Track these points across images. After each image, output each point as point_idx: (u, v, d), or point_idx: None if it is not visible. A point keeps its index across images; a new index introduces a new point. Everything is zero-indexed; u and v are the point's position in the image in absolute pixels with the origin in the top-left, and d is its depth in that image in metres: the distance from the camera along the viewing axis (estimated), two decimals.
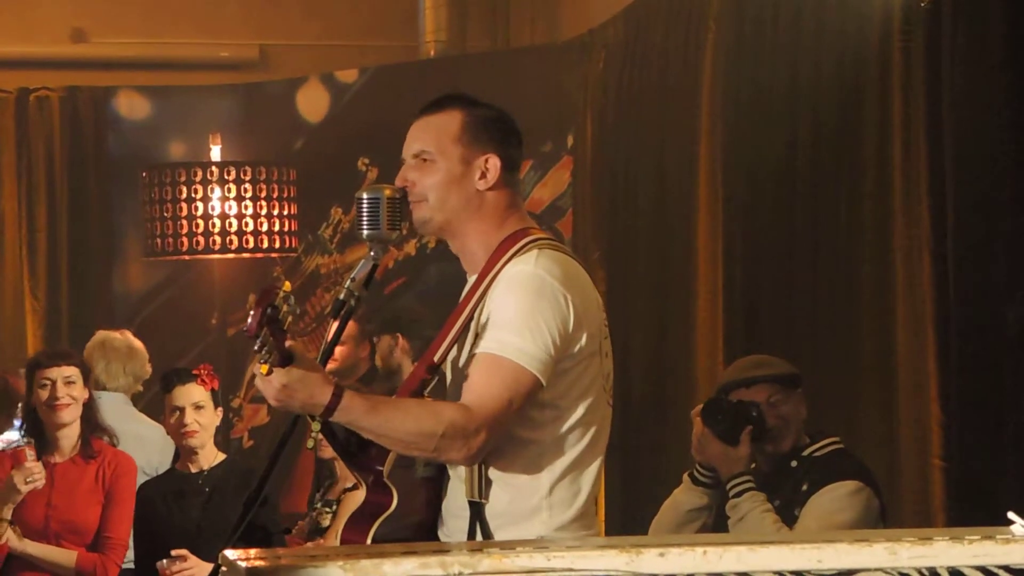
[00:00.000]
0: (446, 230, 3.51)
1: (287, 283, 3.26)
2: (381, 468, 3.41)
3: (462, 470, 3.39)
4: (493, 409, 3.29)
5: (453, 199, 3.47)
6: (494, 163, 3.49)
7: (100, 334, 6.93)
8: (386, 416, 3.28)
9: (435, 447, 3.29)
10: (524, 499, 3.36)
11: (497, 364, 3.31)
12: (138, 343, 6.90)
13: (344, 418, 3.28)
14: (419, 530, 3.45)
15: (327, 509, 6.28)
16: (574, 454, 3.40)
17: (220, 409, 5.74)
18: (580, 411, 3.40)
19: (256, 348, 3.18)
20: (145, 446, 6.30)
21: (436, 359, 3.44)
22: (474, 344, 3.39)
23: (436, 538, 3.45)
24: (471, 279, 3.52)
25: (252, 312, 3.17)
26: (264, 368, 3.21)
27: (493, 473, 3.37)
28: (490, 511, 3.36)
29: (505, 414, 3.30)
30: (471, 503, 3.37)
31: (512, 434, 3.36)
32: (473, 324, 3.41)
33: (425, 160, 3.48)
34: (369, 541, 3.35)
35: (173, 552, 5.40)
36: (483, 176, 3.48)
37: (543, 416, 3.37)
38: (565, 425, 3.39)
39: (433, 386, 3.49)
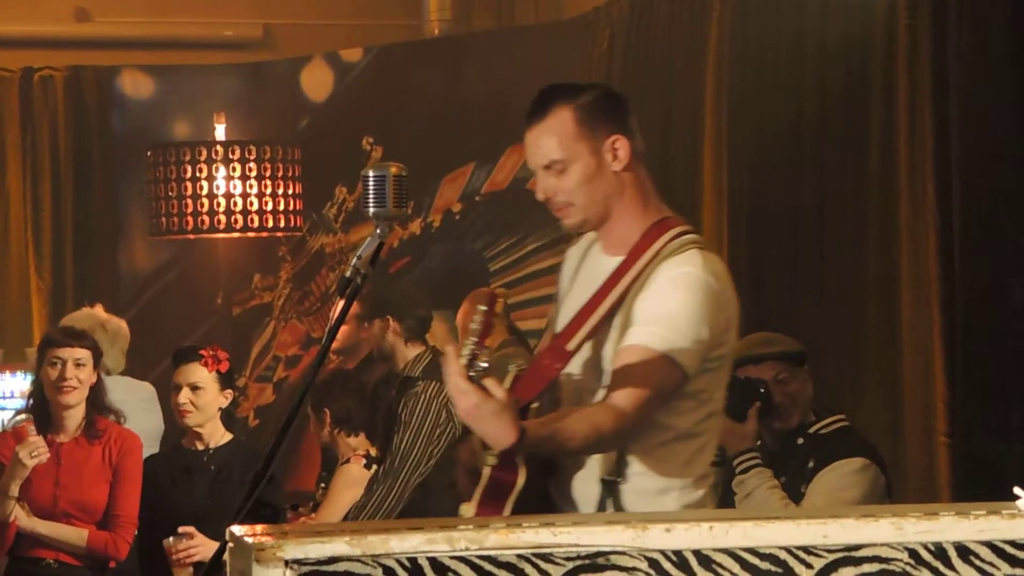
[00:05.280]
0: (602, 222, 3.54)
1: (502, 289, 3.29)
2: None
3: None
4: (643, 401, 3.36)
5: (599, 192, 3.50)
6: (622, 143, 3.51)
7: (98, 313, 6.82)
8: (557, 442, 3.34)
9: (603, 448, 3.41)
10: (658, 479, 3.44)
11: (653, 358, 3.36)
12: (125, 327, 6.81)
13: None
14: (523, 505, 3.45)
15: (322, 484, 6.30)
16: (704, 438, 3.50)
17: (229, 391, 5.69)
18: (715, 402, 3.52)
19: (470, 357, 3.19)
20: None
21: (570, 348, 3.48)
22: (622, 332, 3.42)
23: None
24: (613, 259, 3.53)
25: (482, 319, 3.24)
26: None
27: (631, 455, 3.44)
28: (626, 488, 3.44)
29: (653, 405, 3.39)
30: (604, 481, 3.44)
31: (653, 419, 3.43)
32: (622, 311, 3.44)
33: (559, 169, 3.49)
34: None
35: (180, 529, 5.36)
36: (615, 158, 3.51)
37: (685, 405, 3.45)
38: (703, 414, 3.48)
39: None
